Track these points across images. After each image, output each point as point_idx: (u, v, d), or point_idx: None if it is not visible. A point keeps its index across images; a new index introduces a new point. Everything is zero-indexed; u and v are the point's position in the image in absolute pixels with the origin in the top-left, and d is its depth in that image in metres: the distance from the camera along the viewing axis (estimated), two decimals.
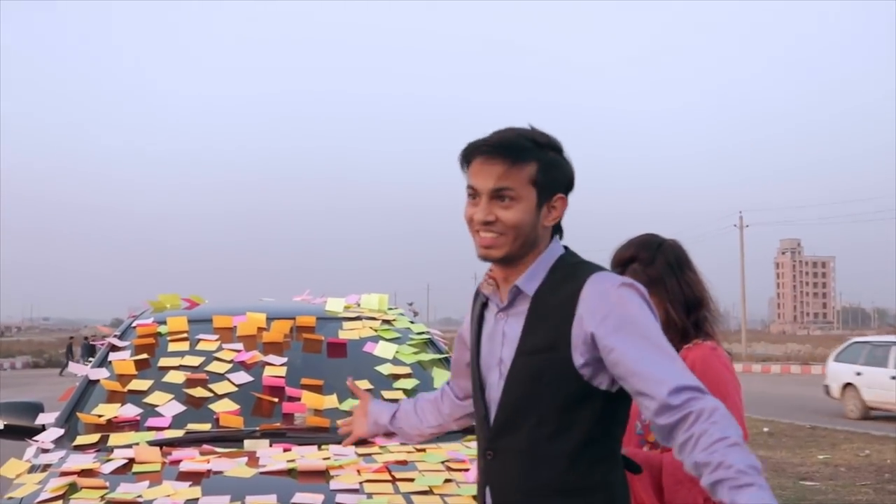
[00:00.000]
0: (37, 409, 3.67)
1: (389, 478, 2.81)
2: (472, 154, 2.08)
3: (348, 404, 3.45)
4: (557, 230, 2.15)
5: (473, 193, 2.08)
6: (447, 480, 2.80)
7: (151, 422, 3.34)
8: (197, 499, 2.63)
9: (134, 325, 3.98)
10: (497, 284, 2.15)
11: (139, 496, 2.66)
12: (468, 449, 3.14)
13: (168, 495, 2.66)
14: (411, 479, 2.79)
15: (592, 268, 2.07)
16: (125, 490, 2.71)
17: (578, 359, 1.97)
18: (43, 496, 2.70)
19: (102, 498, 2.65)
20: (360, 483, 2.76)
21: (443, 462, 2.97)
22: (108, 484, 2.76)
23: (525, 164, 2.03)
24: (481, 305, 2.22)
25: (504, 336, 2.11)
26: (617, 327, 1.94)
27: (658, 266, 2.59)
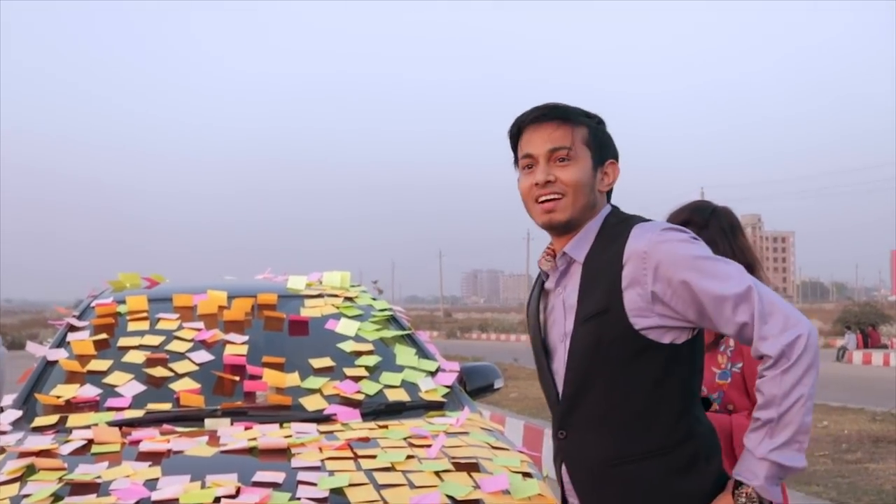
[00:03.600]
0: None
1: (351, 455, 2.80)
2: (524, 124, 2.11)
3: (310, 382, 3.45)
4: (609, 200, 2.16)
5: (530, 163, 2.09)
6: (409, 457, 2.79)
7: (111, 402, 3.31)
8: (157, 479, 2.61)
9: (93, 304, 3.93)
10: (554, 257, 2.14)
11: (98, 477, 2.63)
12: (431, 425, 3.15)
13: (127, 475, 2.63)
14: (373, 456, 2.78)
15: (634, 221, 2.05)
16: (84, 471, 2.68)
17: (636, 317, 1.95)
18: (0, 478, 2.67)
19: (61, 479, 2.62)
20: (322, 461, 2.75)
21: (405, 438, 2.97)
22: (66, 465, 2.73)
23: (578, 126, 2.07)
24: (541, 284, 2.20)
25: (564, 306, 2.08)
26: (672, 273, 1.92)
27: (712, 230, 2.63)
